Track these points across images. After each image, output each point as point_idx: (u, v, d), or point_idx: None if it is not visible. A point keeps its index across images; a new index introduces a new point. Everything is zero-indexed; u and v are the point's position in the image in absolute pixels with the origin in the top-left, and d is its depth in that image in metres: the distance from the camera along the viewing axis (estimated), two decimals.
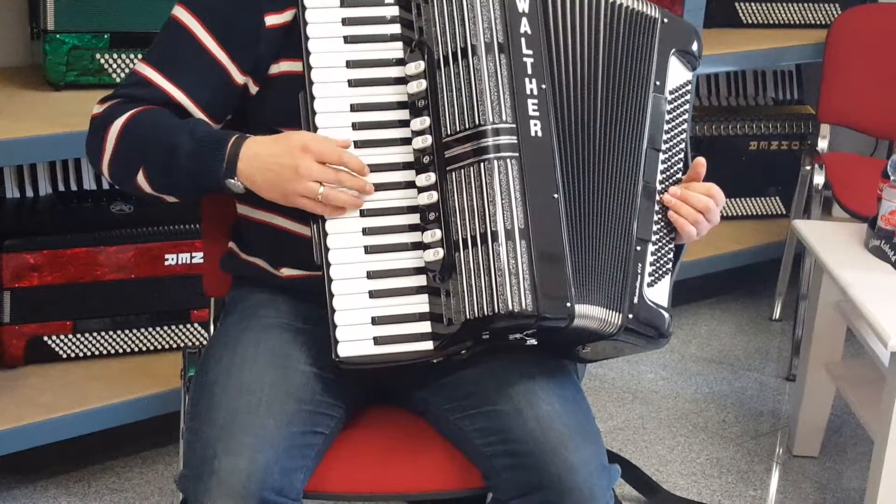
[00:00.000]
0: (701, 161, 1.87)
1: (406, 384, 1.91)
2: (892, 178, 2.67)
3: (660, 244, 1.85)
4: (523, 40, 1.76)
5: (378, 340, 1.73)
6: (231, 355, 1.84)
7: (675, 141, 1.89)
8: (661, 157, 1.86)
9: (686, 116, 1.91)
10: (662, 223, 1.85)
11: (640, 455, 3.01)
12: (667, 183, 1.87)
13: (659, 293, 1.84)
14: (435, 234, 1.74)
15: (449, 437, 1.88)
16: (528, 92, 1.74)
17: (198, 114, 1.85)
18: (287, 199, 1.76)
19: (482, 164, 1.71)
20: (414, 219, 1.76)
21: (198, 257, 2.78)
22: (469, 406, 1.83)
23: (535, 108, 1.74)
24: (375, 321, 1.73)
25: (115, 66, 2.74)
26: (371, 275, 1.74)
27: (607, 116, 1.82)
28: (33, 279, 2.70)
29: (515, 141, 1.72)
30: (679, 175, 1.89)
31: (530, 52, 1.76)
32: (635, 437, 3.10)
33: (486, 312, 1.68)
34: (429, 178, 1.75)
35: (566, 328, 1.71)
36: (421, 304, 1.74)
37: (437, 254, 1.73)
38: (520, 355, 1.84)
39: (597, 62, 1.82)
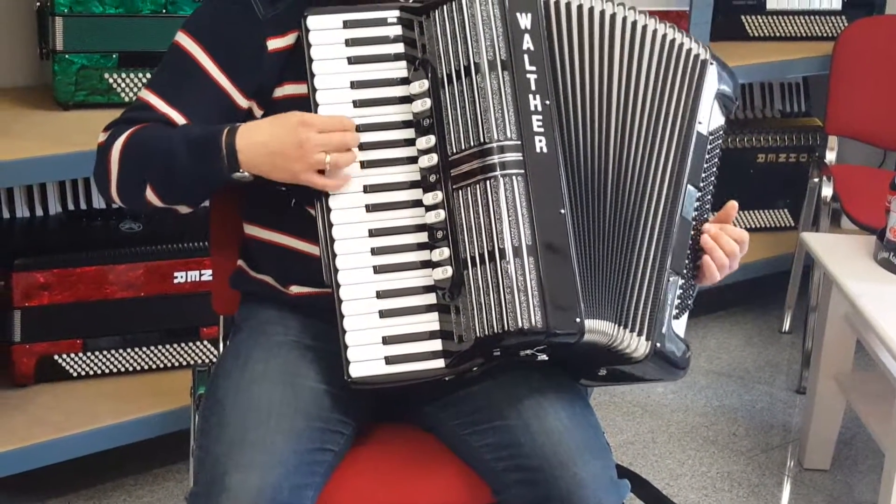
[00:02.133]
0: (733, 204, 1.89)
1: (415, 400, 1.91)
2: None
3: (686, 278, 1.85)
4: (526, 57, 1.76)
5: (389, 360, 1.73)
6: (240, 373, 1.85)
7: (708, 181, 1.90)
8: (697, 194, 1.86)
9: (717, 161, 1.92)
10: (690, 259, 1.86)
11: (650, 469, 3.00)
12: (699, 221, 1.88)
13: (680, 326, 1.85)
14: (443, 253, 1.74)
15: (458, 452, 1.88)
16: (533, 108, 1.74)
17: None
18: (296, 177, 1.76)
19: (488, 182, 1.71)
20: (422, 237, 1.76)
21: (207, 275, 2.79)
22: (478, 421, 1.83)
23: (540, 124, 1.74)
24: (386, 341, 1.74)
25: (123, 85, 2.75)
26: (381, 294, 1.74)
27: (631, 137, 1.82)
28: (43, 298, 2.71)
29: (521, 158, 1.72)
30: (707, 214, 1.90)
31: (533, 68, 1.76)
32: (645, 451, 3.10)
33: (496, 330, 1.68)
34: (436, 196, 1.75)
35: (576, 343, 1.72)
36: (431, 322, 1.75)
37: (445, 272, 1.74)
38: (528, 370, 1.84)
39: (611, 78, 1.82)
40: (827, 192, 3.44)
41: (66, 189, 2.93)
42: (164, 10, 2.76)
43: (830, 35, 3.84)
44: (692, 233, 1.86)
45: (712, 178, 1.92)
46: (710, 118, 1.89)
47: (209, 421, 1.81)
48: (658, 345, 1.78)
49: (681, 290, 1.84)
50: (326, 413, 1.82)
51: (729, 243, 1.87)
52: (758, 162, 3.87)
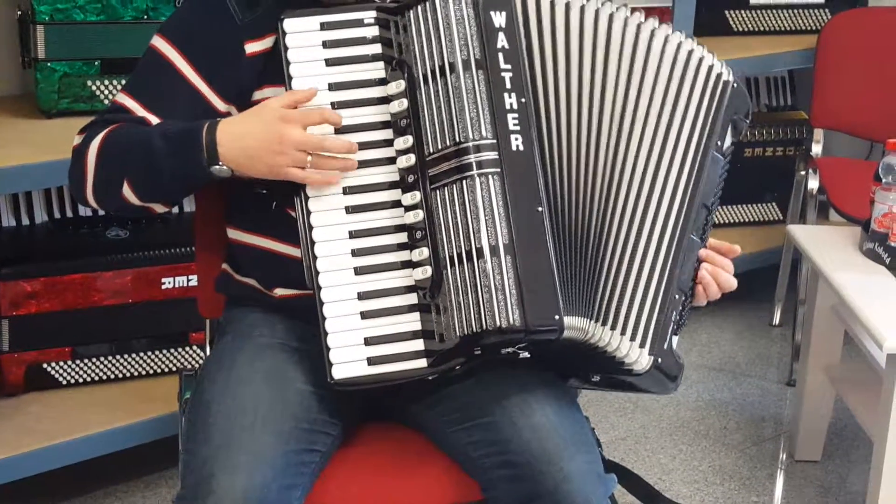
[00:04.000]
0: (738, 251, 1.91)
1: (401, 399, 1.92)
2: (884, 180, 2.68)
3: (687, 295, 1.86)
4: (501, 55, 1.75)
5: (372, 361, 1.73)
6: (226, 375, 1.85)
7: (716, 200, 1.90)
8: (706, 214, 1.86)
9: (723, 182, 1.91)
10: (693, 275, 1.86)
11: (642, 465, 3.01)
12: (704, 240, 1.87)
13: (676, 342, 1.86)
14: (423, 253, 1.74)
15: (446, 450, 1.88)
16: (508, 106, 1.74)
17: None
18: (274, 172, 1.75)
19: (465, 182, 1.71)
20: (402, 238, 1.76)
21: (194, 280, 2.79)
22: (464, 418, 1.84)
23: (516, 122, 1.74)
24: (368, 342, 1.74)
25: (106, 92, 2.76)
26: (362, 295, 1.75)
27: (629, 140, 1.81)
28: (31, 307, 2.71)
29: (497, 157, 1.72)
30: (709, 232, 1.90)
31: (508, 66, 1.76)
32: (637, 446, 3.10)
33: (475, 329, 1.69)
34: (414, 196, 1.75)
35: (556, 340, 1.72)
36: (413, 322, 1.75)
37: (425, 272, 1.74)
38: (514, 367, 1.84)
39: (604, 77, 1.81)
40: (813, 184, 3.45)
41: (52, 197, 2.93)
42: (145, 17, 2.76)
43: (814, 28, 3.85)
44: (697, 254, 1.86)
45: (718, 199, 1.91)
46: (726, 140, 1.89)
47: (195, 424, 1.81)
48: (659, 360, 1.79)
49: (681, 307, 1.84)
50: (313, 414, 1.82)
51: (728, 282, 1.89)
52: (745, 156, 3.88)
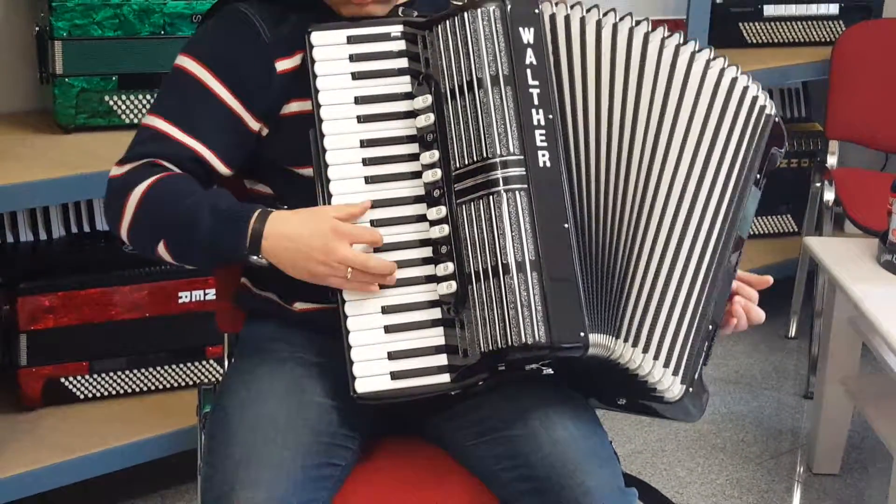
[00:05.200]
0: (769, 281, 1.92)
1: (421, 413, 1.91)
2: None
3: (717, 325, 1.85)
4: (529, 71, 1.75)
5: (395, 375, 1.73)
6: (246, 390, 1.85)
7: (743, 231, 1.89)
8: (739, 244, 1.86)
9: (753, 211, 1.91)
10: (723, 308, 1.86)
11: (659, 478, 3.00)
12: (735, 270, 1.87)
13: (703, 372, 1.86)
14: (448, 268, 1.74)
15: (466, 464, 1.88)
16: (536, 123, 1.74)
17: (218, 165, 1.84)
18: (313, 279, 1.75)
19: (491, 197, 1.71)
20: (427, 252, 1.76)
21: (211, 294, 2.80)
22: (485, 432, 1.84)
23: (543, 138, 1.74)
24: (392, 356, 1.74)
25: (123, 107, 2.76)
26: (386, 310, 1.75)
27: (664, 163, 1.80)
28: (49, 321, 2.71)
29: (524, 172, 1.72)
30: (739, 261, 1.90)
31: (536, 82, 1.75)
32: (654, 459, 3.10)
33: (500, 345, 1.68)
34: (440, 211, 1.75)
35: (581, 357, 1.72)
36: (436, 336, 1.75)
37: (450, 287, 1.74)
38: (534, 381, 1.84)
39: (616, 91, 1.80)
40: (829, 196, 3.45)
41: (70, 212, 2.94)
42: (162, 32, 2.77)
43: (828, 40, 3.84)
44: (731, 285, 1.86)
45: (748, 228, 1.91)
46: (763, 174, 1.88)
47: (215, 438, 1.81)
48: (690, 389, 1.79)
49: (710, 339, 1.84)
50: (333, 428, 1.82)
51: (757, 315, 1.89)
52: None
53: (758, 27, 3.85)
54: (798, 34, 3.89)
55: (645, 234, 1.79)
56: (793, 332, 3.79)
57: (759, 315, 1.90)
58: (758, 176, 1.86)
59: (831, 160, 3.60)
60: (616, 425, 3.23)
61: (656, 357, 1.77)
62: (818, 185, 3.55)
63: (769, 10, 3.84)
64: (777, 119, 1.89)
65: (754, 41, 3.86)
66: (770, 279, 1.93)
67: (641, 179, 1.80)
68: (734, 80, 1.85)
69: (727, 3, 3.80)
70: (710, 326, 1.81)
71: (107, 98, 2.76)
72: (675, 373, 1.77)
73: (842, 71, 3.62)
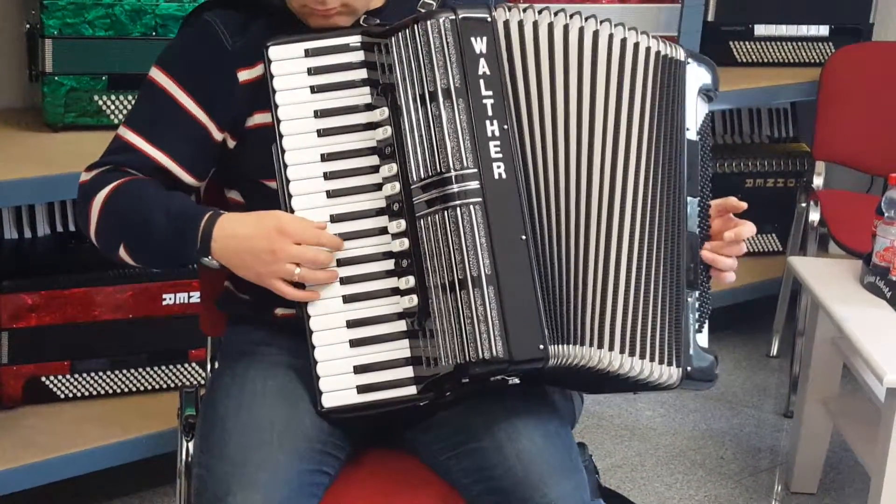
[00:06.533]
0: (740, 206, 1.88)
1: (398, 425, 1.91)
2: (886, 215, 2.69)
3: (702, 288, 1.85)
4: (482, 82, 1.73)
5: (361, 389, 1.74)
6: (239, 391, 1.84)
7: (706, 185, 1.88)
8: (697, 204, 1.84)
9: (709, 152, 1.89)
10: (702, 268, 1.85)
11: (638, 493, 3.00)
12: (704, 226, 1.86)
13: (703, 338, 1.84)
14: (409, 281, 1.75)
15: (445, 477, 1.87)
16: (490, 134, 1.72)
17: (183, 175, 1.86)
18: (261, 281, 1.77)
19: (447, 212, 1.71)
20: (389, 265, 1.77)
21: (195, 297, 2.79)
22: (455, 444, 1.83)
23: (498, 150, 1.72)
24: (357, 370, 1.75)
25: (112, 107, 2.76)
26: (350, 324, 1.76)
27: (603, 152, 1.79)
28: (31, 320, 2.71)
29: (478, 186, 1.71)
30: (708, 219, 1.88)
31: (490, 92, 1.73)
32: (633, 474, 3.10)
33: (459, 360, 1.69)
34: (399, 224, 1.75)
35: (544, 369, 1.71)
36: (402, 349, 1.76)
37: (412, 300, 1.74)
38: (505, 391, 1.82)
39: (569, 93, 1.78)
40: (814, 216, 3.46)
41: (55, 210, 2.93)
42: (153, 33, 2.77)
43: (818, 61, 3.86)
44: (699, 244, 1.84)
45: (709, 175, 1.88)
46: (696, 118, 1.86)
47: (209, 439, 1.80)
48: (689, 368, 1.78)
49: (698, 302, 1.83)
50: (325, 435, 1.81)
51: (732, 251, 1.87)
52: (746, 187, 3.89)
53: (748, 46, 3.86)
54: (788, 55, 3.91)
55: (588, 230, 1.77)
56: (775, 350, 3.80)
57: (729, 262, 1.87)
58: (688, 127, 1.83)
59: (817, 181, 3.61)
60: (595, 439, 3.23)
61: (632, 353, 1.76)
62: (804, 205, 3.56)
63: (760, 29, 3.86)
64: (688, 61, 1.84)
65: (744, 60, 3.87)
66: (745, 205, 1.89)
67: (606, 179, 1.78)
68: (637, 45, 1.81)
69: (718, 22, 3.81)
70: (689, 299, 1.80)
71: (96, 98, 2.75)
72: (662, 361, 1.77)
73: (830, 92, 3.64)
